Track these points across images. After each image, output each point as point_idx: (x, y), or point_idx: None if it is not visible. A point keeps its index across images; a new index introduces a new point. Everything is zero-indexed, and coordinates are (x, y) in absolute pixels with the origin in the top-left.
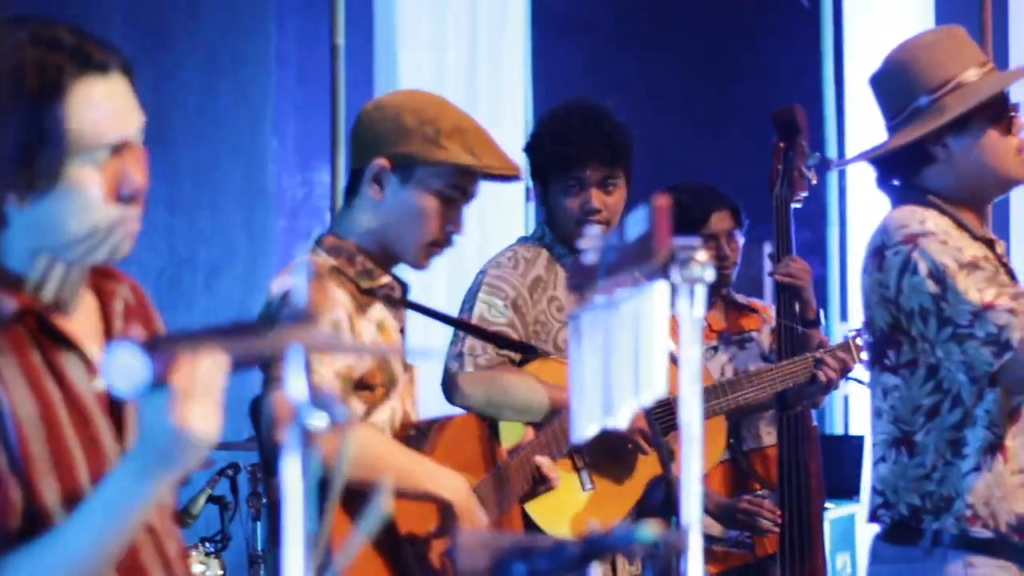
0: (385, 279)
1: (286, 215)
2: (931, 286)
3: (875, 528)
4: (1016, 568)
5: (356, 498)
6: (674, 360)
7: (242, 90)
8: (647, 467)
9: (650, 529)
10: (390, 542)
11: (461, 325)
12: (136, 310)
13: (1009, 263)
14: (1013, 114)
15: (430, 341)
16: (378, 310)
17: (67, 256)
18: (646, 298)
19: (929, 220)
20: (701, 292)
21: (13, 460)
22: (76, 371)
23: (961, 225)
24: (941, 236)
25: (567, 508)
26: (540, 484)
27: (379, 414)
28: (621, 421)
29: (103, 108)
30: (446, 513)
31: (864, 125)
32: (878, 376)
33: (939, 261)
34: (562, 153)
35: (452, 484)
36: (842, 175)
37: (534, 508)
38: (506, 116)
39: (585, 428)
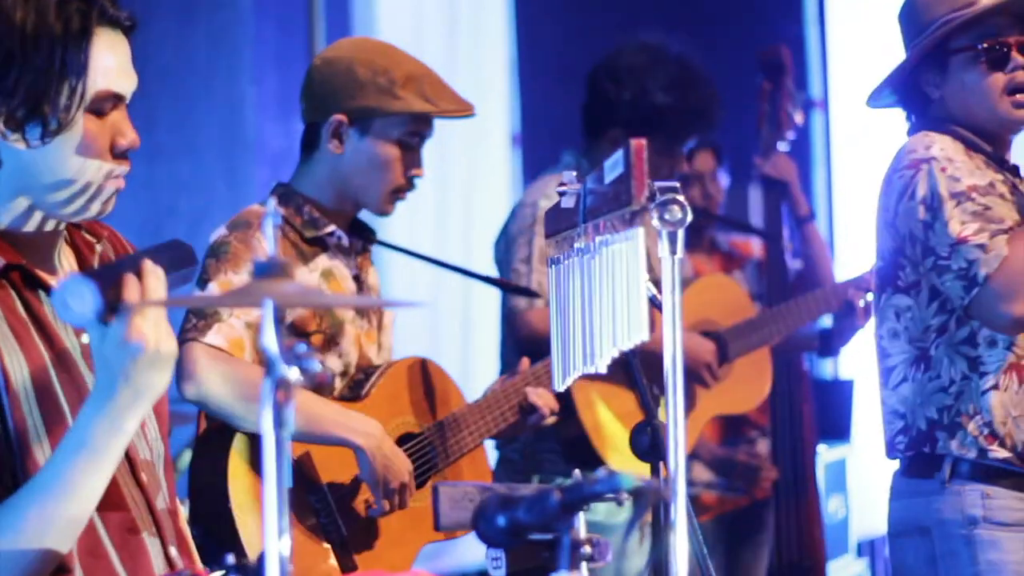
0: (330, 228)
1: (268, 164)
2: (922, 212)
3: (874, 466)
4: None
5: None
6: (656, 304)
7: (219, 37)
8: (710, 400)
9: (633, 477)
10: (311, 489)
11: (437, 262)
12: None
13: None
14: (1007, 50)
15: (415, 285)
16: (324, 259)
17: (56, 211)
18: (626, 242)
19: (936, 145)
20: (682, 235)
21: (4, 423)
22: (61, 326)
23: (978, 150)
24: (943, 163)
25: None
26: (529, 414)
27: (329, 361)
28: (602, 365)
29: (113, 60)
30: (358, 457)
31: (848, 64)
32: (891, 298)
33: (934, 188)
34: (681, 123)
35: (362, 428)
36: (826, 115)
37: (603, 448)
38: (487, 63)
39: (566, 374)
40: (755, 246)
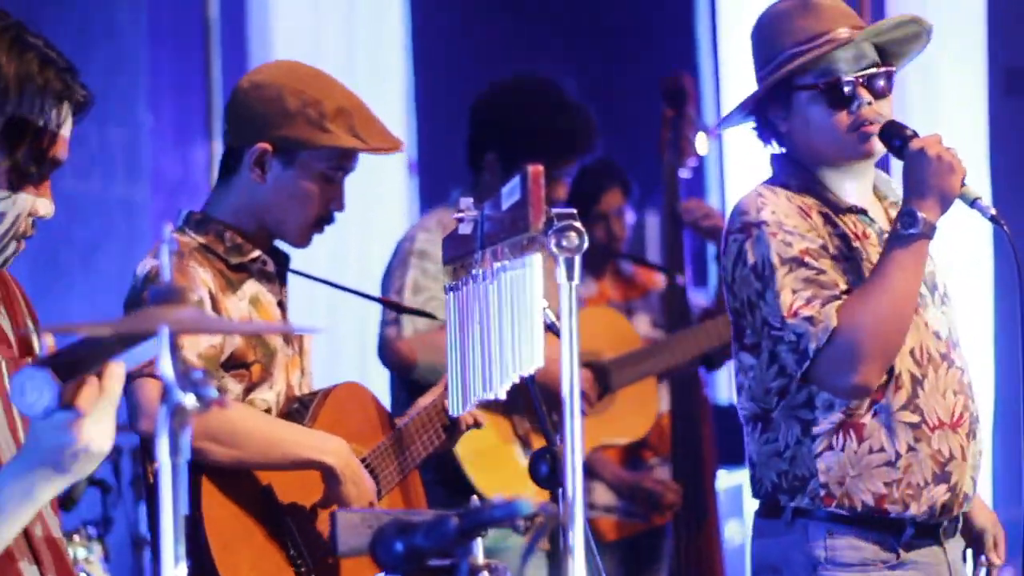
0: (255, 253)
1: (164, 192)
2: (755, 281)
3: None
4: (875, 542)
5: (232, 478)
6: (555, 330)
7: (115, 65)
8: (591, 431)
9: (531, 502)
10: (271, 515)
11: (349, 290)
12: None
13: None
14: (851, 88)
15: (313, 311)
16: (251, 285)
17: None
18: (523, 268)
19: (767, 208)
20: (579, 262)
21: None
22: None
23: (820, 197)
24: (773, 227)
25: (509, 477)
26: (453, 429)
27: (262, 393)
28: (501, 392)
29: (69, 132)
30: (328, 477)
31: (740, 93)
32: (738, 354)
33: (765, 255)
34: (551, 146)
35: (331, 447)
36: (720, 143)
37: (479, 479)
38: (385, 91)
39: (462, 402)
40: (658, 278)
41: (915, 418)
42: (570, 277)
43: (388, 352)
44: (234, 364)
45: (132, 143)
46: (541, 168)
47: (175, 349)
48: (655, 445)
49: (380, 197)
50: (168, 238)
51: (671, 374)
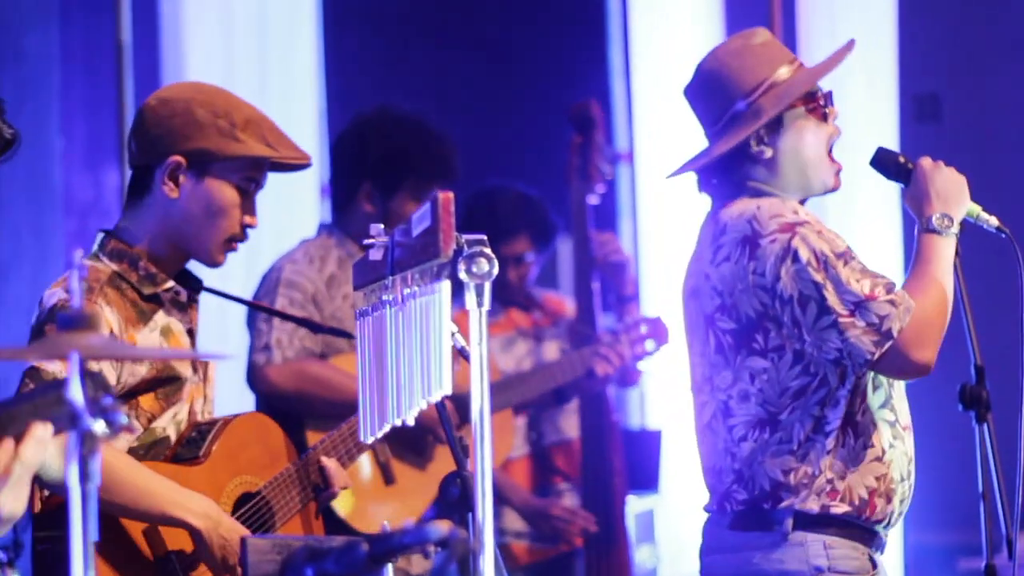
0: (169, 284)
1: (75, 215)
2: (814, 273)
3: (683, 516)
4: (861, 553)
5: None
6: (465, 355)
7: (25, 87)
8: (448, 458)
9: (441, 528)
10: (158, 560)
11: (268, 310)
12: None
13: None
14: (826, 105)
15: (227, 334)
16: (161, 316)
17: None
18: (432, 295)
19: (801, 210)
20: (488, 288)
21: None
22: None
23: None
24: (816, 225)
25: (371, 503)
26: (324, 489)
27: (163, 422)
28: (411, 418)
29: None
30: (195, 539)
31: (653, 119)
32: (745, 360)
33: (819, 250)
34: (426, 171)
35: (200, 510)
36: (632, 168)
37: (338, 503)
38: (298, 113)
39: (373, 427)
40: (568, 304)
41: (892, 416)
42: (480, 303)
43: (258, 379)
44: (134, 395)
45: (43, 165)
46: (451, 195)
47: (85, 375)
48: (565, 470)
49: (293, 218)
50: (78, 264)
51: (574, 399)
